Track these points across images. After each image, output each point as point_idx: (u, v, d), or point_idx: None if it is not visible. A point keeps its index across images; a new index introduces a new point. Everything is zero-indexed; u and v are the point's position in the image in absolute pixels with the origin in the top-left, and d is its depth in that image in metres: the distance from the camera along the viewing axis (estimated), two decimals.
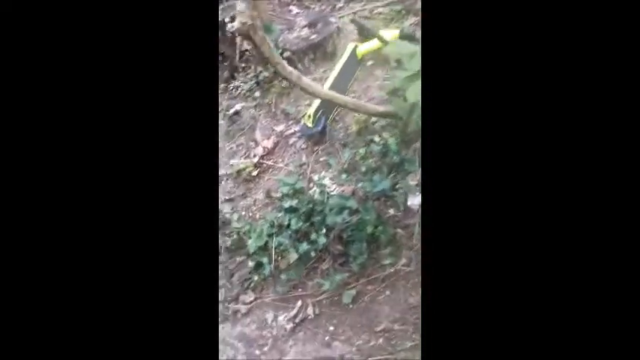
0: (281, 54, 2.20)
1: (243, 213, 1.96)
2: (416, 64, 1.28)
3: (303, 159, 2.06)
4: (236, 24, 0.91)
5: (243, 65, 2.54)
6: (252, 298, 1.60)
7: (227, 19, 2.27)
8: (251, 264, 1.68)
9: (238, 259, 1.77)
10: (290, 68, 1.18)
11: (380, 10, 2.44)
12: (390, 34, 2.05)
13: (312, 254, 1.59)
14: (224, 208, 1.99)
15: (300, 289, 1.59)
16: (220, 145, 2.32)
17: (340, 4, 2.57)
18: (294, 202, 1.72)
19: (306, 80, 1.37)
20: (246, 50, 2.48)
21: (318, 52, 2.22)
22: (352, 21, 2.28)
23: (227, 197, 2.06)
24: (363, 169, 1.79)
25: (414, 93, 1.28)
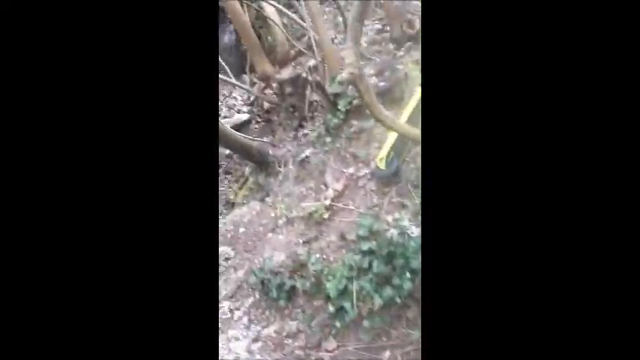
0: (350, 102, 2.37)
1: (318, 255, 1.99)
2: None
3: (375, 200, 2.08)
4: (345, 74, 1.02)
5: (311, 115, 2.75)
6: (334, 346, 1.56)
7: (303, 74, 2.53)
8: (331, 309, 1.67)
9: (316, 303, 1.77)
10: (386, 112, 1.26)
11: None
12: None
13: (397, 300, 1.54)
14: (298, 250, 2.05)
15: (384, 338, 1.52)
16: (291, 189, 2.46)
17: (401, 53, 2.73)
18: (372, 244, 1.72)
19: (398, 122, 1.45)
20: (315, 101, 2.70)
21: (387, 97, 2.35)
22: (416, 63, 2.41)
23: (301, 240, 2.12)
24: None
25: None
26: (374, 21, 3.21)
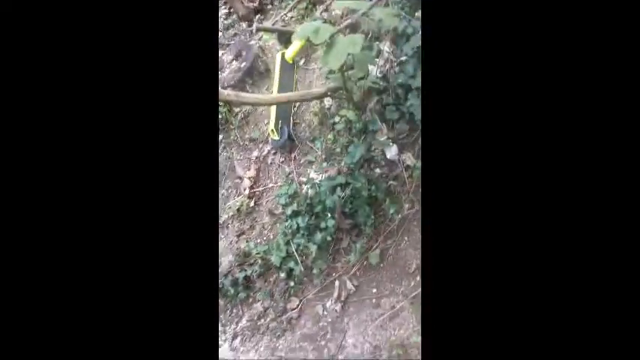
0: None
1: (259, 240, 2.16)
2: (320, 38, 1.46)
3: (287, 169, 2.28)
4: None
5: None
6: (297, 302, 1.78)
7: None
8: (283, 275, 1.87)
9: (271, 279, 1.96)
10: (238, 93, 1.42)
11: (289, 15, 2.74)
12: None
13: (329, 239, 1.78)
14: (240, 245, 2.20)
15: (333, 274, 1.77)
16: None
17: (252, 28, 2.88)
18: (294, 206, 1.93)
19: (253, 96, 1.61)
20: None
21: (254, 75, 2.50)
22: (264, 30, 2.57)
23: (240, 235, 2.27)
24: (338, 149, 2.01)
25: (337, 60, 1.46)
26: (221, 7, 3.28)
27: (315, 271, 1.79)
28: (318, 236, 1.77)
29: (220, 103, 2.49)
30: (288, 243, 1.89)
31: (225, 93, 1.40)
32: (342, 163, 1.96)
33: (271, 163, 2.39)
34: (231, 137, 2.54)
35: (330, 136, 2.10)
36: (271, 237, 2.13)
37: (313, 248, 1.77)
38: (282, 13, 2.76)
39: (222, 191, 2.56)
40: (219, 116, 2.52)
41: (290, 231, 1.92)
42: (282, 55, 2.35)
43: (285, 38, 2.46)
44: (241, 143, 2.54)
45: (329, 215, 1.78)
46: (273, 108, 2.26)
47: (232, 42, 2.81)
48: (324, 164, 2.04)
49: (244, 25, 3.00)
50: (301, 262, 1.83)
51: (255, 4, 2.90)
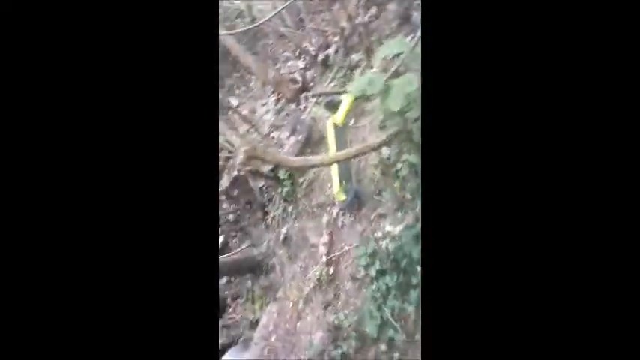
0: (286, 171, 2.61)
1: (346, 311, 2.01)
2: (376, 87, 1.50)
3: (359, 228, 2.20)
4: (242, 157, 1.23)
5: (267, 198, 2.97)
6: None
7: (235, 172, 2.79)
8: (383, 347, 1.66)
9: (371, 353, 1.75)
10: (304, 158, 1.47)
11: (333, 84, 2.95)
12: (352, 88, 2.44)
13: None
14: (330, 319, 2.06)
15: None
16: (292, 270, 2.53)
17: (304, 104, 3.12)
18: (378, 266, 1.80)
19: (317, 158, 1.65)
20: (261, 186, 2.94)
21: (311, 145, 2.62)
22: (318, 95, 2.74)
23: (327, 307, 2.14)
24: (408, 195, 1.91)
25: (397, 102, 1.45)
26: (269, 96, 3.67)
27: (418, 336, 1.57)
28: (413, 294, 1.59)
29: (284, 176, 2.62)
30: (380, 308, 1.72)
31: (291, 160, 1.45)
32: (417, 209, 1.83)
33: (342, 225, 2.34)
34: (300, 207, 2.59)
35: (396, 184, 2.02)
36: (359, 304, 1.98)
37: (411, 309, 1.58)
38: (325, 85, 2.98)
39: (299, 263, 2.53)
40: (285, 189, 2.62)
41: (379, 294, 1.76)
42: (333, 120, 2.46)
43: (332, 105, 2.61)
44: (310, 211, 2.56)
45: (419, 268, 1.61)
46: (335, 171, 2.29)
47: (285, 122, 3.05)
48: (399, 214, 1.93)
49: (293, 105, 3.28)
50: (401, 327, 1.62)
51: (298, 85, 3.19)
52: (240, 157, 2.96)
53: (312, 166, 1.46)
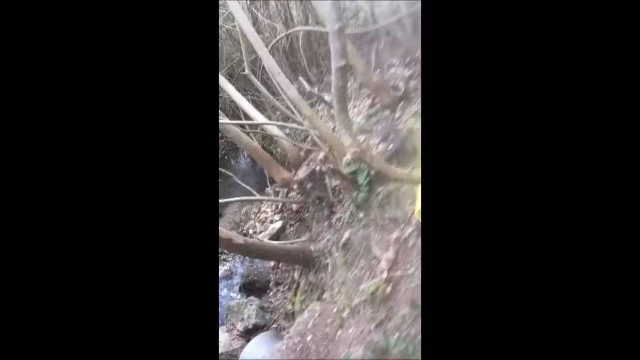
0: (368, 173, 2.56)
1: (397, 334, 1.88)
2: None
3: None
4: (349, 156, 1.21)
5: (338, 199, 2.95)
6: None
7: (317, 167, 2.82)
8: None
9: None
10: (400, 170, 1.41)
11: None
12: None
13: None
14: (374, 337, 1.95)
15: None
16: (344, 276, 2.47)
17: (397, 114, 3.05)
18: None
19: (414, 174, 1.58)
20: (336, 185, 2.93)
21: (401, 156, 2.54)
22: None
23: (373, 325, 2.04)
24: None
25: None
26: (363, 100, 3.67)
27: None
28: None
29: (363, 182, 2.56)
30: None
31: (397, 172, 1.39)
32: None
33: (412, 246, 2.21)
34: (371, 216, 2.52)
35: None
36: (412, 333, 1.83)
37: None
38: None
39: (354, 271, 2.46)
40: (362, 195, 2.57)
41: None
42: None
43: None
44: (380, 223, 2.47)
45: None
46: (419, 188, 2.18)
47: (376, 127, 3.01)
48: None
49: (386, 112, 3.22)
50: None
51: (399, 93, 3.13)
52: (323, 153, 2.98)
53: (403, 181, 1.39)
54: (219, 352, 2.73)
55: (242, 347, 2.71)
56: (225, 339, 2.84)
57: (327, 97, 3.59)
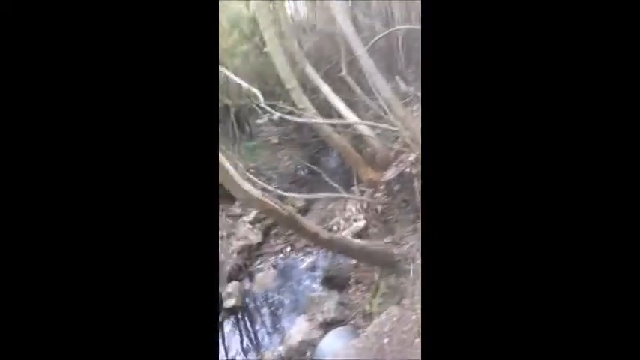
0: None
1: None
2: None
3: None
4: None
5: None
6: None
7: (407, 169, 2.77)
8: None
9: None
10: None
11: None
12: None
13: None
14: None
15: None
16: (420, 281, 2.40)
17: None
18: None
19: None
20: None
21: None
22: None
23: None
24: None
25: None
26: None
27: None
28: None
29: None
30: None
31: None
32: None
33: None
34: None
35: None
36: None
37: None
38: None
39: None
40: None
41: None
42: None
43: None
44: None
45: None
46: None
47: None
48: None
49: None
50: None
51: None
52: (414, 155, 2.92)
53: None
54: (300, 339, 2.92)
55: (321, 337, 2.86)
56: (305, 327, 3.03)
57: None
